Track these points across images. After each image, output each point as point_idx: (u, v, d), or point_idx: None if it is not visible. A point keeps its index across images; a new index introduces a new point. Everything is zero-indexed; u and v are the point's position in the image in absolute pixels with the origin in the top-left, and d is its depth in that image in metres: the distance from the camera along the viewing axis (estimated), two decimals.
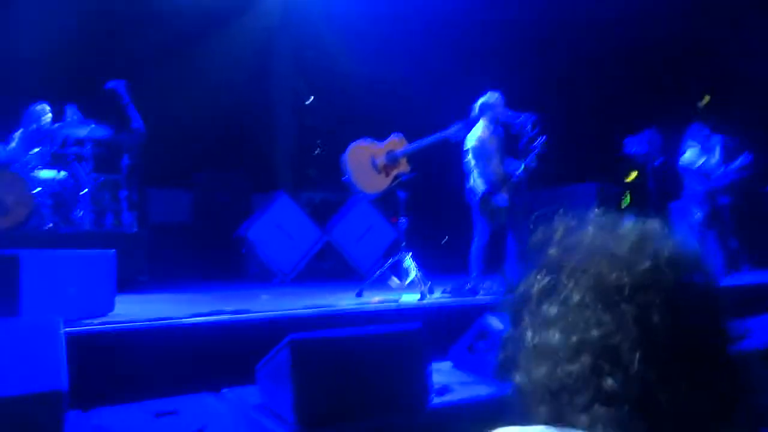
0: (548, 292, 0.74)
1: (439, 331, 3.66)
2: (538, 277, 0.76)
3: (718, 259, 6.10)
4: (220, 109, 7.41)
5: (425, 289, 4.61)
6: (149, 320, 3.41)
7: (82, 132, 5.84)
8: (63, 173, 5.81)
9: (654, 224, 0.76)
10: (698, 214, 6.36)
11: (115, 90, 5.78)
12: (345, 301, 4.46)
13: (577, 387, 0.68)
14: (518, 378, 0.75)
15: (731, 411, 0.67)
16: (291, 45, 8.23)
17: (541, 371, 0.71)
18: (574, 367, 0.68)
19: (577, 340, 0.69)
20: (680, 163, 6.58)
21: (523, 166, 4.91)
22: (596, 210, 0.81)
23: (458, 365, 3.51)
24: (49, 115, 5.89)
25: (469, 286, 4.79)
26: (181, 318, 3.51)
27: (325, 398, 2.47)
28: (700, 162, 6.42)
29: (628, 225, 0.76)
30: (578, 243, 0.76)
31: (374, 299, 4.47)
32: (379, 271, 5.02)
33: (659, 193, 6.56)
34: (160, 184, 7.26)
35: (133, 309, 3.91)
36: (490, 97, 5.03)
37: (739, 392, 0.68)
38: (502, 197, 4.86)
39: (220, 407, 2.84)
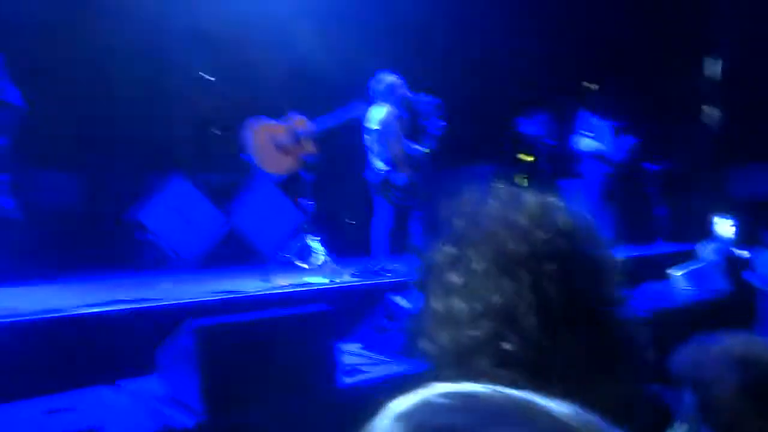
0: (453, 262, 0.77)
1: (347, 313, 3.67)
2: (444, 247, 0.79)
3: (610, 233, 6.54)
4: (111, 83, 6.91)
5: (332, 271, 4.61)
6: (35, 312, 3.17)
7: None
8: None
9: (552, 198, 0.81)
10: (596, 193, 6.75)
11: None
12: (250, 285, 4.37)
13: (479, 351, 0.72)
14: (425, 345, 0.78)
15: (615, 368, 0.73)
16: (184, 14, 7.82)
17: (445, 337, 0.75)
18: (476, 333, 0.72)
19: (480, 306, 0.73)
20: (577, 148, 6.94)
21: (424, 149, 5.01)
22: (500, 185, 0.85)
23: (367, 346, 3.55)
24: None
25: (377, 267, 4.84)
26: (71, 309, 3.29)
27: (233, 383, 2.42)
28: (596, 147, 6.81)
29: (529, 198, 0.80)
30: (482, 215, 0.79)
31: (281, 283, 4.42)
32: (286, 254, 4.95)
33: (552, 173, 6.94)
34: (47, 165, 6.70)
35: (17, 302, 3.61)
36: (390, 79, 5.06)
37: (622, 351, 0.74)
38: (401, 176, 4.94)
39: (118, 400, 2.70)
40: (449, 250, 0.78)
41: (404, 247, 4.85)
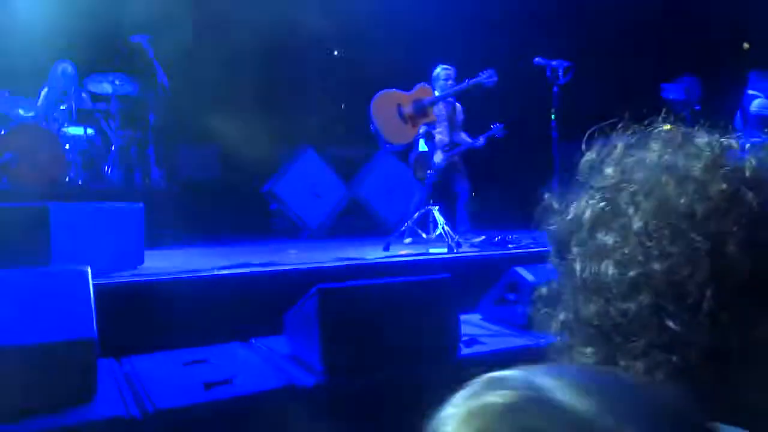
0: (603, 219, 0.64)
1: (468, 283, 3.61)
2: (591, 201, 0.65)
3: None
4: (245, 63, 7.29)
5: (453, 242, 4.55)
6: (178, 272, 3.43)
7: (108, 88, 5.83)
8: (90, 130, 5.83)
9: (732, 142, 0.65)
10: None
11: (140, 44, 5.71)
12: (373, 254, 4.43)
13: (633, 329, 0.59)
14: (563, 316, 0.66)
15: None
16: None
17: (590, 309, 0.62)
18: (630, 306, 0.59)
19: (636, 274, 0.59)
20: (751, 111, 6.29)
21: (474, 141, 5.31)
22: (662, 124, 0.70)
23: (487, 317, 3.46)
24: (74, 72, 5.87)
25: (497, 238, 4.72)
26: (210, 270, 3.52)
27: (353, 347, 2.46)
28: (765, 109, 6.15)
29: (701, 141, 0.65)
30: (640, 161, 0.65)
31: (402, 252, 4.43)
32: (407, 224, 4.96)
33: None
34: (189, 140, 7.24)
35: (162, 263, 3.94)
36: (441, 70, 5.37)
37: None
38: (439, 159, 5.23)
39: (248, 356, 2.85)
40: (599, 203, 0.64)
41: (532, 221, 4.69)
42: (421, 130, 5.07)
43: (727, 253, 0.57)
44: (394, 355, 2.50)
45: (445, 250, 4.46)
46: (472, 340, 2.93)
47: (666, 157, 0.64)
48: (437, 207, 4.82)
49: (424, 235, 4.89)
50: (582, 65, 4.82)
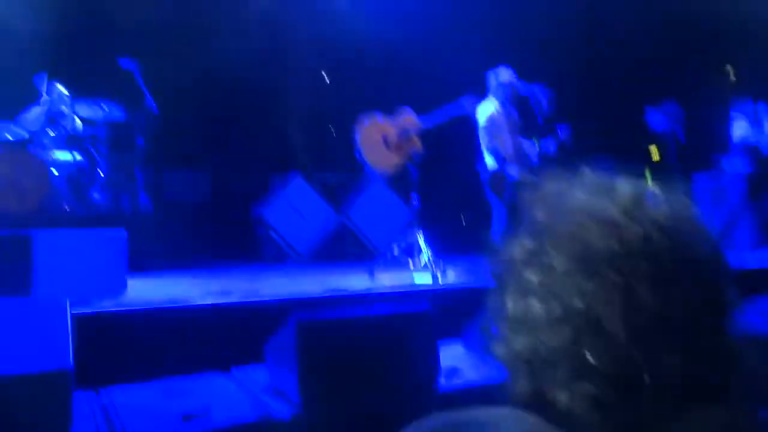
0: (531, 258, 0.68)
1: (452, 312, 3.61)
2: (521, 241, 0.70)
3: (749, 237, 5.92)
4: (234, 87, 7.34)
5: (438, 271, 4.55)
6: (160, 302, 3.42)
7: (97, 113, 5.85)
8: (79, 156, 5.83)
9: (652, 187, 0.70)
10: (738, 191, 6.15)
11: (129, 69, 5.74)
12: (357, 282, 4.43)
13: (558, 360, 0.64)
14: (498, 350, 0.71)
15: (723, 393, 0.62)
16: (306, 20, 8.11)
17: (520, 342, 0.67)
18: (555, 339, 0.64)
19: (559, 309, 0.64)
20: (732, 138, 6.35)
21: (538, 149, 4.84)
22: (587, 170, 0.74)
23: (471, 347, 3.46)
24: (68, 95, 5.89)
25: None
26: (192, 300, 3.51)
27: (331, 379, 2.45)
28: (751, 136, 6.21)
29: (622, 187, 0.69)
30: (566, 205, 0.70)
31: (386, 281, 4.43)
32: (393, 252, 4.97)
33: (683, 167, 6.38)
34: (178, 165, 7.26)
35: (146, 290, 3.92)
36: (502, 74, 4.91)
37: (730, 371, 0.63)
38: (514, 173, 4.77)
39: (228, 387, 2.84)
40: (527, 244, 0.69)
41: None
42: (407, 158, 5.10)
43: (638, 292, 0.61)
44: (373, 388, 2.49)
45: (430, 278, 4.47)
46: (454, 372, 2.93)
47: (589, 202, 0.69)
48: (421, 233, 4.83)
49: (411, 264, 4.89)
50: (565, 93, 4.89)
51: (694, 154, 6.36)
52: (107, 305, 3.34)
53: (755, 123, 6.26)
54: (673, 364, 0.61)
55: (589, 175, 0.73)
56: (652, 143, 7.07)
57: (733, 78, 6.91)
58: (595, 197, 0.69)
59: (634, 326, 0.61)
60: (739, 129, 6.29)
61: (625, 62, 7.76)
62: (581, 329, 0.62)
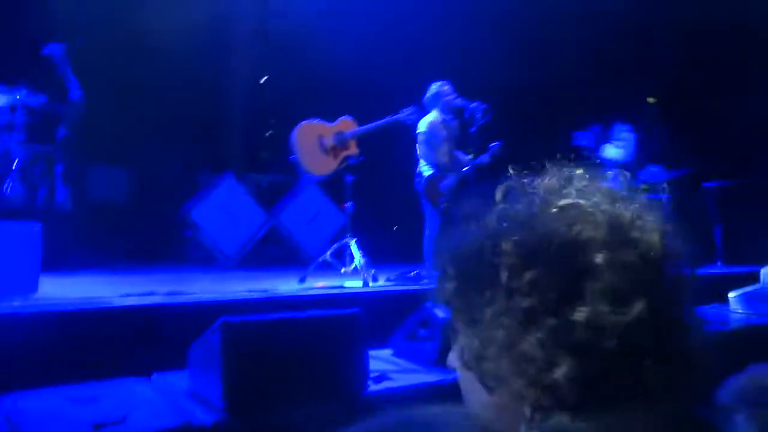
0: (483, 257, 0.69)
1: (381, 318, 3.59)
2: (471, 243, 0.71)
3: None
4: (168, 81, 7.09)
5: (369, 275, 4.54)
6: (72, 301, 3.22)
7: (9, 98, 5.49)
8: None
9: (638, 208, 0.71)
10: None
11: (52, 55, 5.43)
12: (287, 286, 4.35)
13: (534, 366, 0.64)
14: (463, 354, 0.71)
15: (677, 390, 0.65)
16: (248, 16, 7.96)
17: (491, 350, 0.67)
18: (526, 347, 0.64)
19: (528, 317, 0.65)
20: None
21: (472, 158, 4.94)
22: (574, 169, 0.75)
23: (398, 353, 3.45)
24: None
25: (413, 273, 4.75)
26: (109, 298, 3.33)
27: (257, 384, 2.38)
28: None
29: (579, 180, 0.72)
30: (523, 203, 0.71)
31: (317, 285, 4.38)
32: (323, 257, 4.92)
33: None
34: (100, 159, 6.92)
35: (60, 290, 3.70)
36: (439, 86, 5.04)
37: (688, 373, 0.66)
38: (449, 180, 4.85)
39: (146, 393, 2.70)
40: (484, 243, 0.70)
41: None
42: (343, 163, 5.08)
43: (582, 284, 0.63)
44: (300, 392, 2.43)
45: (360, 283, 4.45)
46: (382, 376, 2.91)
47: (545, 199, 0.71)
48: (354, 239, 4.81)
49: (342, 269, 4.85)
50: (499, 109, 5.02)
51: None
52: (15, 304, 3.12)
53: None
54: (642, 368, 0.63)
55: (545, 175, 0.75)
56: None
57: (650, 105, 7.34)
58: (548, 196, 0.70)
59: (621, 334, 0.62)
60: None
61: (558, 83, 8.06)
62: (552, 330, 0.63)
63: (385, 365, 3.12)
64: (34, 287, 3.43)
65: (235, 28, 7.96)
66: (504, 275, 0.66)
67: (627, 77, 7.90)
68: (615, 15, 7.77)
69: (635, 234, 0.67)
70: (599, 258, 0.64)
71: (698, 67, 7.73)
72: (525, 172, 0.79)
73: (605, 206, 0.68)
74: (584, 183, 0.72)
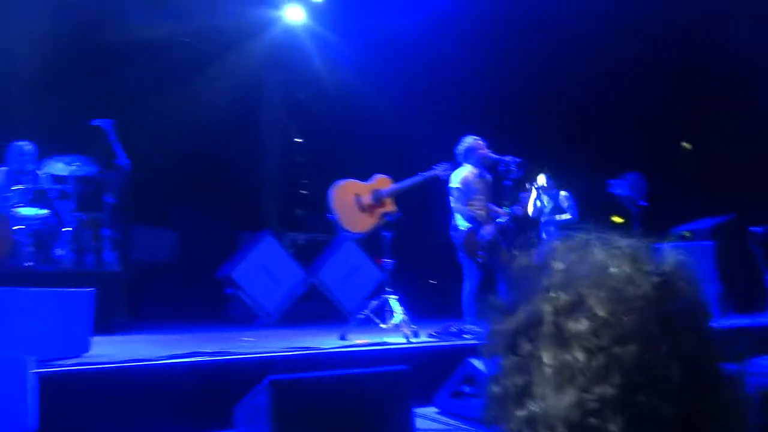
0: (565, 310, 0.68)
1: (424, 375, 3.57)
2: (549, 294, 0.69)
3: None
4: (207, 147, 7.39)
5: (410, 331, 4.53)
6: (123, 361, 3.31)
7: (66, 170, 5.79)
8: (45, 211, 5.72)
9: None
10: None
11: (100, 127, 5.75)
12: (329, 343, 4.37)
13: (609, 410, 0.62)
14: (525, 412, 0.67)
15: None
16: (280, 83, 8.30)
17: (563, 398, 0.64)
18: (604, 389, 0.62)
19: (605, 357, 0.63)
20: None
21: (508, 210, 4.96)
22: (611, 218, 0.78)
23: (443, 411, 3.42)
24: (32, 152, 5.84)
25: (454, 328, 4.72)
26: (157, 359, 3.41)
27: None
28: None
29: (623, 242, 0.72)
30: (583, 258, 0.72)
31: (358, 341, 4.39)
32: (364, 313, 4.93)
33: (644, 235, 6.57)
34: (144, 222, 7.17)
35: (110, 350, 3.79)
36: (472, 140, 5.10)
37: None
38: (487, 232, 4.86)
39: None
40: (561, 295, 0.68)
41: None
42: (382, 220, 5.15)
43: (678, 332, 0.64)
44: None
45: (402, 339, 4.44)
46: None
47: (604, 252, 0.71)
48: (395, 296, 4.83)
49: (382, 325, 4.85)
50: (534, 161, 5.08)
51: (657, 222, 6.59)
52: (69, 364, 3.22)
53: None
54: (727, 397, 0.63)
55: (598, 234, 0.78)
56: (615, 210, 7.32)
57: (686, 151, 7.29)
58: (612, 251, 0.71)
59: (686, 363, 0.62)
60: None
61: (590, 132, 8.11)
62: (631, 374, 0.62)
63: (431, 424, 3.09)
64: (86, 347, 3.54)
65: (269, 94, 8.30)
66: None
67: (661, 124, 7.91)
68: (646, 64, 7.86)
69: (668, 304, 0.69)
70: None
71: (735, 109, 7.70)
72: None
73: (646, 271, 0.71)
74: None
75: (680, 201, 6.85)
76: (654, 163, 7.20)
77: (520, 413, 0.68)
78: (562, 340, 0.67)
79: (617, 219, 7.72)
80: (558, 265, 0.72)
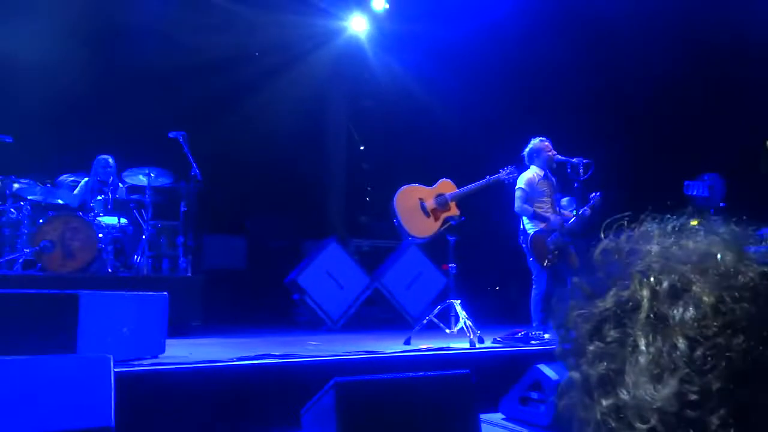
0: (667, 296, 0.64)
1: (489, 381, 3.52)
2: (646, 280, 0.66)
3: None
4: (275, 157, 7.62)
5: (475, 337, 4.48)
6: (196, 363, 3.44)
7: (144, 181, 6.10)
8: (124, 220, 6.04)
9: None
10: None
11: (176, 139, 6.02)
12: (393, 347, 4.38)
13: (711, 403, 0.59)
14: (623, 395, 0.63)
15: None
16: (345, 92, 8.45)
17: (660, 388, 0.61)
18: (707, 380, 0.59)
19: (712, 346, 0.60)
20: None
21: (575, 212, 4.85)
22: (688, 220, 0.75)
23: (509, 417, 3.36)
24: (113, 165, 6.19)
25: (520, 334, 4.64)
26: (228, 361, 3.52)
27: None
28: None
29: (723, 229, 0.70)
30: (680, 244, 0.69)
31: (422, 346, 4.38)
32: (428, 318, 4.92)
33: None
34: (216, 230, 7.45)
35: (184, 352, 3.95)
36: (539, 142, 5.01)
37: None
38: (554, 236, 4.76)
39: None
40: (659, 282, 0.64)
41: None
42: (446, 224, 5.14)
43: None
44: None
45: (467, 345, 4.40)
46: None
47: (704, 238, 0.68)
48: (459, 301, 4.79)
49: (447, 330, 4.83)
50: (604, 162, 4.93)
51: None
52: (146, 364, 3.38)
53: None
54: None
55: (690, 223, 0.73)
56: (692, 213, 6.97)
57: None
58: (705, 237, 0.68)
59: None
60: None
61: (666, 132, 7.81)
62: (739, 366, 0.59)
63: (498, 430, 3.04)
64: (161, 348, 3.70)
65: (334, 103, 8.45)
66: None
67: (742, 122, 7.51)
68: (726, 62, 7.50)
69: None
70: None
71: None
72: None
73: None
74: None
75: (760, 203, 6.46)
76: (733, 164, 6.84)
77: (606, 402, 0.65)
78: (661, 327, 0.63)
79: (694, 222, 7.37)
80: (654, 248, 0.69)
